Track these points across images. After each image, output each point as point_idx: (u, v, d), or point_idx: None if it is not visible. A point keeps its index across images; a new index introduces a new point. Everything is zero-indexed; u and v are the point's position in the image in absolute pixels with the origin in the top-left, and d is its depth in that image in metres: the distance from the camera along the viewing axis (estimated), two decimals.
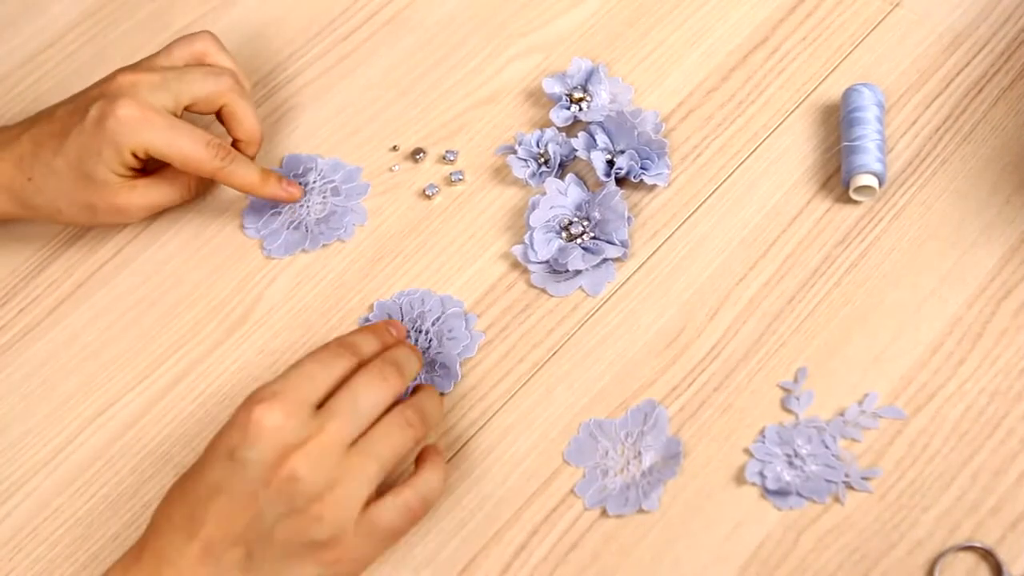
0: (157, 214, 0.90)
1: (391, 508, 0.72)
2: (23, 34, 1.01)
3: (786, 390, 0.78)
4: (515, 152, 0.89)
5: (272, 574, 0.70)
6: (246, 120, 0.86)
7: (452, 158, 0.90)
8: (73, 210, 0.85)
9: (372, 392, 0.73)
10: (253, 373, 0.84)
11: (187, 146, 0.83)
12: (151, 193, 0.86)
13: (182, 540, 0.70)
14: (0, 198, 0.85)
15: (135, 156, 0.83)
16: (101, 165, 0.83)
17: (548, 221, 0.85)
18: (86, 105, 0.83)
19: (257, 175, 0.85)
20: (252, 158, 0.87)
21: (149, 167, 0.86)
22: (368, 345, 0.76)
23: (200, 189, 0.89)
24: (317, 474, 0.70)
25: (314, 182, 0.90)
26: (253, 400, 0.71)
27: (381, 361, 0.74)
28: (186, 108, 0.85)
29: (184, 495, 0.71)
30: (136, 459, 0.81)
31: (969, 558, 0.72)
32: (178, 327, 0.86)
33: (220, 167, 0.84)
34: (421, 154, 0.91)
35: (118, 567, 0.71)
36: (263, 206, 0.89)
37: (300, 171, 0.90)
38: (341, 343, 0.75)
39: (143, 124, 0.82)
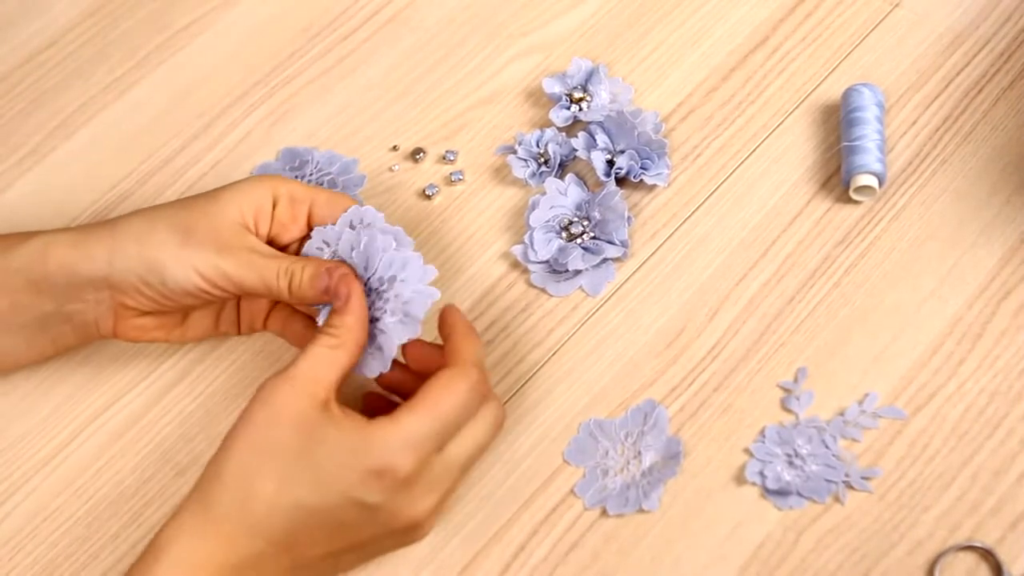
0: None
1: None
2: (23, 34, 1.01)
3: (786, 390, 0.78)
4: (515, 152, 0.89)
5: (355, 567, 0.73)
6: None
7: (452, 158, 0.90)
8: (168, 231, 0.76)
9: (491, 438, 0.74)
10: (253, 373, 0.84)
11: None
12: (259, 244, 0.77)
13: (278, 555, 0.69)
14: (81, 239, 0.76)
15: (274, 198, 0.78)
16: (229, 191, 0.77)
17: (548, 221, 0.85)
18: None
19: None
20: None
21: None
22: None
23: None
24: (437, 512, 0.73)
25: (310, 175, 0.89)
26: (398, 446, 0.69)
27: (498, 419, 0.73)
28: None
29: (295, 515, 0.68)
30: (136, 459, 0.81)
31: (969, 558, 0.72)
32: None
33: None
34: (421, 154, 0.91)
35: (185, 541, 0.68)
36: None
37: (296, 163, 0.90)
38: (482, 389, 0.72)
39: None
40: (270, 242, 0.79)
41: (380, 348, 0.74)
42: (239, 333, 0.83)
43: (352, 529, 0.70)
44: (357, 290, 0.74)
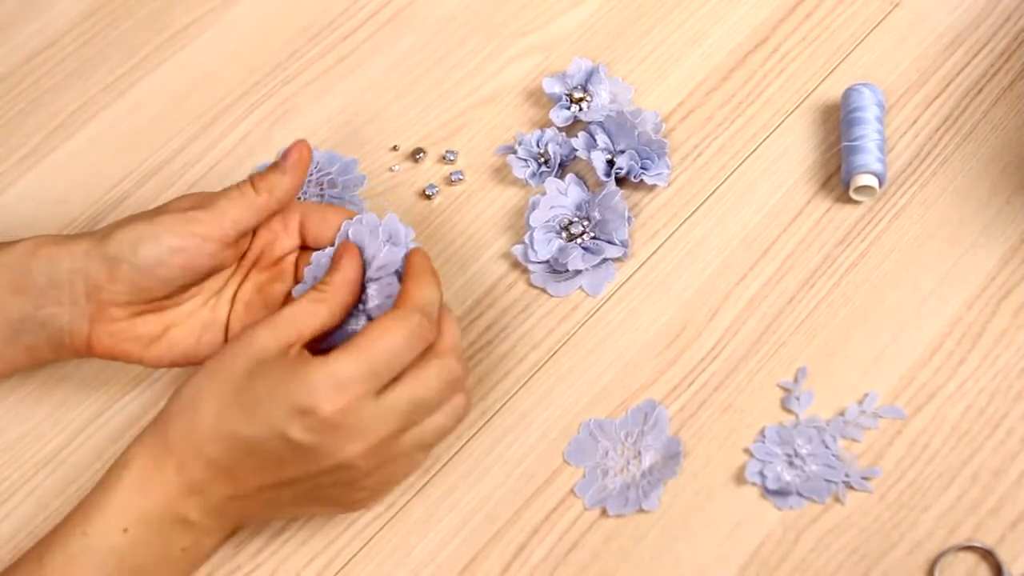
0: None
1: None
2: (23, 34, 1.01)
3: (786, 390, 0.78)
4: (515, 152, 0.89)
5: (300, 509, 0.74)
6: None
7: (452, 158, 0.90)
8: (141, 219, 0.76)
9: (436, 395, 0.72)
10: None
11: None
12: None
13: (218, 481, 0.71)
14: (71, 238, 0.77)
15: None
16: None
17: (548, 221, 0.85)
18: None
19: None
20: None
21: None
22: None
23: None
24: (371, 462, 0.70)
25: (311, 175, 0.89)
26: (322, 384, 0.69)
27: (450, 374, 0.72)
28: None
29: (230, 443, 0.70)
30: None
31: (969, 558, 0.72)
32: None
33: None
34: (421, 154, 0.91)
35: (144, 458, 0.71)
36: None
37: None
38: (430, 327, 0.71)
39: None
40: (261, 256, 0.79)
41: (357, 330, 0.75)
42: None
43: (282, 464, 0.70)
44: (354, 255, 0.75)
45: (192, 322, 0.78)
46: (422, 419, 0.72)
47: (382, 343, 0.70)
